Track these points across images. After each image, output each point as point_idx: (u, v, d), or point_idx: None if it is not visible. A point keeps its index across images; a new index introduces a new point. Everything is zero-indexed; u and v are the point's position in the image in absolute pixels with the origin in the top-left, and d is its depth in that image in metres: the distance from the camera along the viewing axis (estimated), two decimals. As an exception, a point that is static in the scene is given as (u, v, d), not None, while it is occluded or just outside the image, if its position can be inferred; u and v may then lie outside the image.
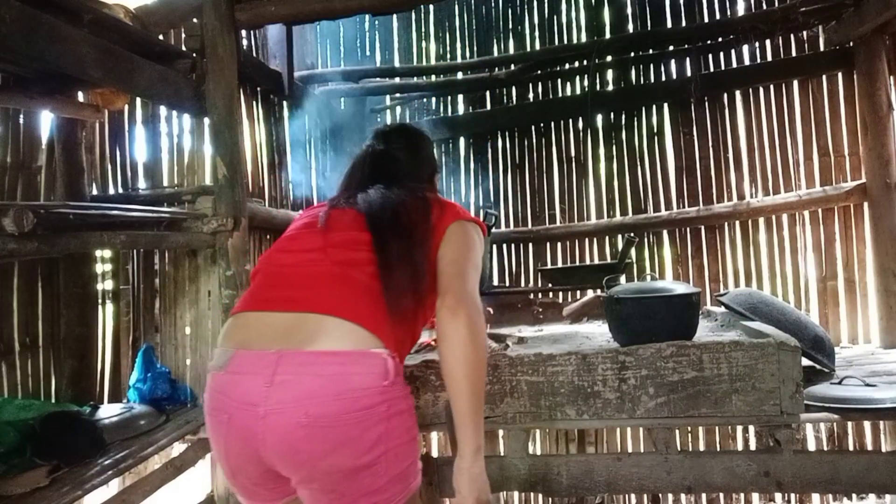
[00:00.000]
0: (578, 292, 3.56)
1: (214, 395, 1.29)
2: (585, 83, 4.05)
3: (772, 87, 3.66)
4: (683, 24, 3.89)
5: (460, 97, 4.37)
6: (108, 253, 2.81)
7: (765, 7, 3.69)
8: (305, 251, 1.44)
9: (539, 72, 4.16)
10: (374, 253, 1.40)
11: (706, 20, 3.84)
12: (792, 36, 3.63)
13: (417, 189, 1.59)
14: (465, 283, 1.37)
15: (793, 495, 3.51)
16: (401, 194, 1.54)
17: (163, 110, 2.96)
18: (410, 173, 1.67)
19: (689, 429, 3.57)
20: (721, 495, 3.59)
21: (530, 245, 4.11)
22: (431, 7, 4.34)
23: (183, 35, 2.81)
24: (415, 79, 4.29)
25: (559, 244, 4.07)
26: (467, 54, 4.34)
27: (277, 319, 1.30)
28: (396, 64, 4.37)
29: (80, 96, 2.60)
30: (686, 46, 3.83)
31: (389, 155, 1.68)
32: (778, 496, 3.52)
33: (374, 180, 1.60)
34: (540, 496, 3.15)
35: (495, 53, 4.28)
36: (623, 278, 2.97)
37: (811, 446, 3.44)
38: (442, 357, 1.32)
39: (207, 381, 1.34)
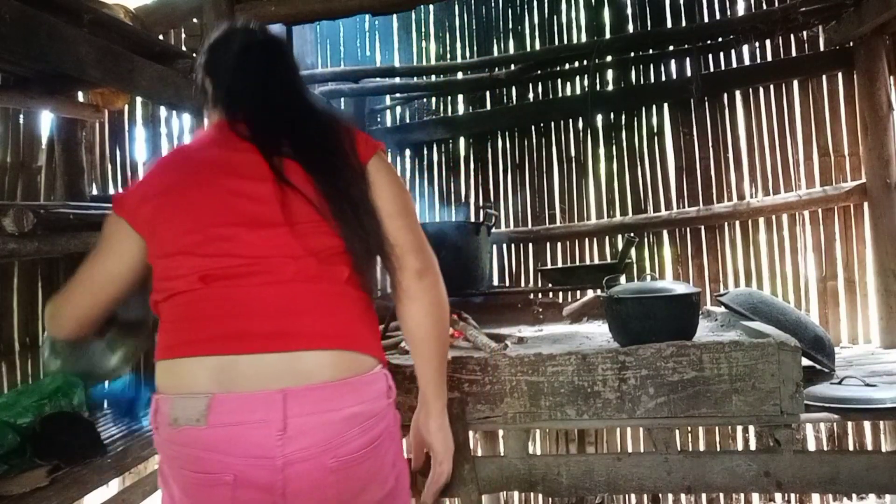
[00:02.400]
0: (578, 292, 3.56)
1: (199, 456, 1.04)
2: (585, 83, 4.05)
3: (772, 87, 3.66)
4: (683, 24, 3.89)
5: (460, 97, 4.37)
6: (108, 253, 2.81)
7: (765, 7, 3.69)
8: (261, 258, 1.12)
9: (539, 72, 4.15)
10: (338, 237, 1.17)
11: (706, 20, 3.84)
12: (792, 36, 3.63)
13: (327, 113, 1.33)
14: (420, 238, 1.25)
15: (793, 495, 3.51)
16: (326, 133, 1.24)
17: (163, 110, 2.96)
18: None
19: (689, 429, 3.57)
20: (721, 495, 3.59)
21: (530, 245, 4.11)
22: (431, 7, 4.34)
23: (183, 35, 2.81)
24: (415, 79, 4.28)
25: (559, 244, 4.07)
26: (467, 54, 4.33)
27: (260, 359, 1.07)
28: (396, 64, 4.37)
29: (80, 96, 2.60)
30: (686, 46, 3.82)
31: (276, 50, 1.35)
32: (778, 496, 3.52)
33: (268, 97, 1.29)
34: (540, 496, 3.15)
35: (495, 53, 4.27)
36: (623, 278, 2.97)
37: (811, 446, 3.44)
38: (411, 320, 1.24)
39: (170, 438, 1.08)
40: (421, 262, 1.22)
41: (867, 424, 3.33)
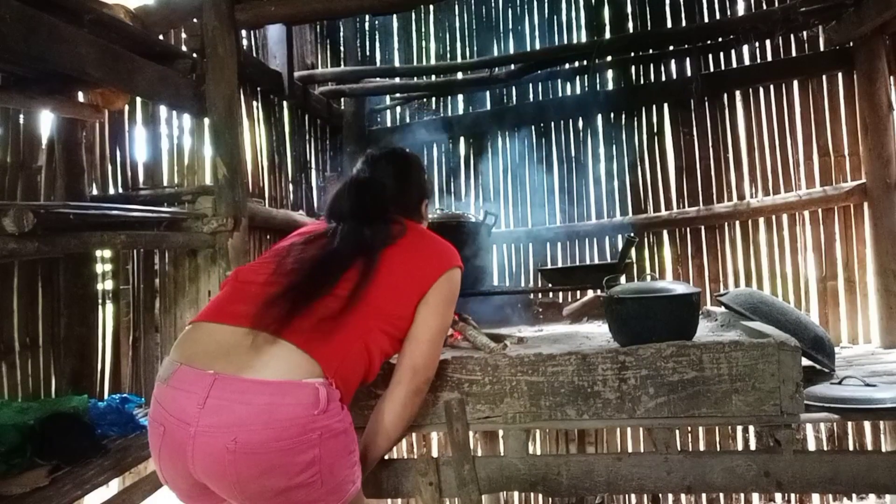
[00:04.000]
0: (578, 292, 3.56)
1: (155, 406, 1.32)
2: (585, 83, 4.05)
3: (772, 87, 3.66)
4: (683, 24, 3.89)
5: (460, 97, 4.37)
6: (108, 253, 2.81)
7: (765, 7, 3.69)
8: (271, 274, 1.47)
9: (539, 71, 4.16)
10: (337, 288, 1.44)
11: (706, 20, 3.84)
12: (792, 36, 3.63)
13: (395, 227, 1.61)
14: (431, 361, 1.57)
15: (793, 495, 3.51)
16: (373, 236, 1.56)
17: (163, 110, 2.96)
18: (397, 200, 1.71)
19: (689, 429, 3.57)
20: (721, 495, 3.60)
21: (530, 245, 4.11)
22: (431, 7, 4.34)
23: (183, 35, 2.81)
24: (415, 79, 4.29)
25: (559, 244, 4.07)
26: (467, 54, 4.33)
27: (224, 334, 1.34)
28: (396, 64, 4.37)
29: (80, 96, 2.60)
30: (686, 46, 3.82)
31: (375, 182, 1.71)
32: (778, 496, 3.52)
33: (358, 210, 1.63)
34: (540, 496, 3.15)
35: (495, 53, 4.27)
36: (623, 278, 2.97)
37: (811, 446, 3.44)
38: (383, 410, 1.55)
39: (154, 390, 1.37)
40: (421, 381, 1.56)
41: (867, 424, 3.33)
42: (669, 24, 3.93)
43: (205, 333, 1.37)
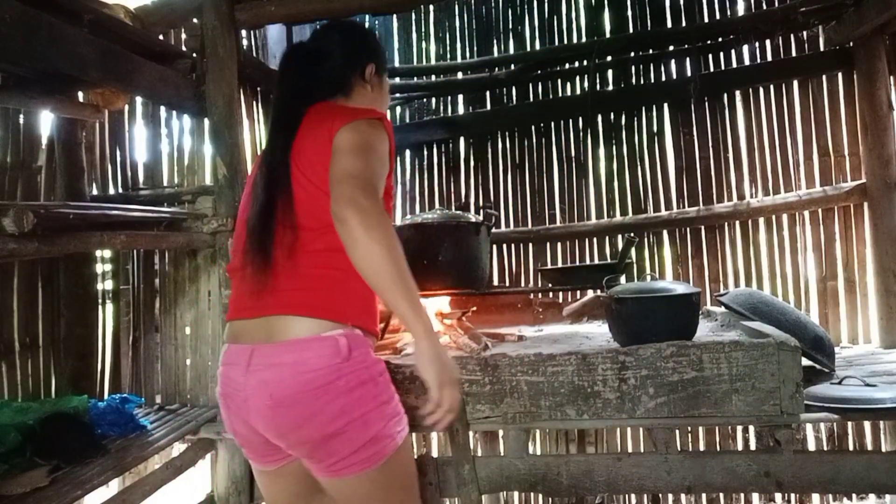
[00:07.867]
0: (578, 292, 3.55)
1: (220, 384, 1.50)
2: (585, 83, 4.05)
3: (772, 87, 3.66)
4: (683, 24, 3.89)
5: (460, 97, 4.37)
6: (108, 253, 2.81)
7: (765, 7, 3.69)
8: (243, 255, 1.50)
9: (539, 72, 4.15)
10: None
11: (706, 20, 3.84)
12: (792, 36, 3.63)
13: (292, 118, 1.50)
14: (346, 186, 1.30)
15: (793, 495, 3.51)
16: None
17: (163, 110, 2.96)
18: (344, 66, 1.63)
19: (689, 429, 3.57)
20: (721, 495, 3.59)
21: (530, 245, 4.11)
22: (431, 7, 4.34)
23: (183, 35, 2.81)
24: (415, 79, 4.28)
25: (559, 244, 4.07)
26: (467, 54, 4.33)
27: (251, 322, 1.46)
28: (396, 64, 4.37)
29: (80, 96, 2.60)
30: (686, 46, 3.82)
31: (319, 52, 1.63)
32: (778, 496, 3.52)
33: (290, 93, 1.55)
34: (540, 496, 3.15)
35: (495, 53, 4.27)
36: (623, 278, 2.97)
37: (811, 446, 3.43)
38: (354, 266, 1.29)
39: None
40: (340, 206, 1.28)
41: (867, 424, 3.33)
42: (669, 25, 3.93)
43: (237, 325, 1.51)
